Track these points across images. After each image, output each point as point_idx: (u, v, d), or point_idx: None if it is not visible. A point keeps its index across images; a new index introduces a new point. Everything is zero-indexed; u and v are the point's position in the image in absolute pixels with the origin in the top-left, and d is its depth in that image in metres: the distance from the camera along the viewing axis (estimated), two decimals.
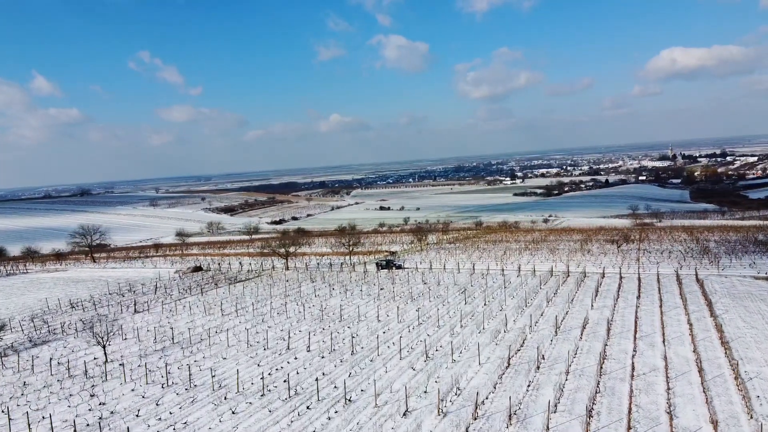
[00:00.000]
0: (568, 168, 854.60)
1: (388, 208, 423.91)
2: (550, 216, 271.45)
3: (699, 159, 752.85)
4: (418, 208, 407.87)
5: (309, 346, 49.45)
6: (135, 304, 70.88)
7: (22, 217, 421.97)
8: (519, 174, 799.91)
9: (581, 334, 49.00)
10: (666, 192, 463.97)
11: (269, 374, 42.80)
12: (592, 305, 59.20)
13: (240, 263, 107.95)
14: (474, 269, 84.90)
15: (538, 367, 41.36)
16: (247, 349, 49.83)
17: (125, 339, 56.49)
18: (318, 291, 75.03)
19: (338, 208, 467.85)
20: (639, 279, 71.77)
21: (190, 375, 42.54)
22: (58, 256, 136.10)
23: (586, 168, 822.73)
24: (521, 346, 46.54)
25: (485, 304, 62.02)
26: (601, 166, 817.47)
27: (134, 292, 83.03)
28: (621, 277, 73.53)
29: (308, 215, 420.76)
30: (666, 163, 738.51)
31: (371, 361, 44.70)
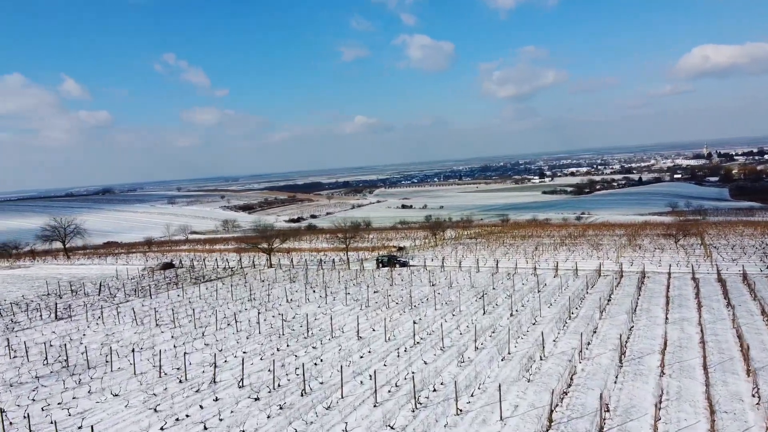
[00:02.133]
0: (599, 167, 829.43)
1: (410, 207, 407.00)
2: (582, 214, 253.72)
3: (735, 157, 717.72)
4: (441, 207, 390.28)
5: (243, 379, 32.71)
6: (56, 310, 55.01)
7: (38, 215, 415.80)
8: (548, 173, 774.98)
9: (661, 365, 31.31)
10: (704, 190, 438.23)
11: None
12: (666, 318, 41.29)
13: (226, 260, 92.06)
14: (497, 267, 67.31)
15: (602, 429, 24.02)
16: (154, 382, 33.35)
17: (13, 358, 40.70)
18: (293, 294, 58.38)
19: (359, 206, 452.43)
20: (721, 280, 53.27)
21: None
22: (33, 253, 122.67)
23: (617, 167, 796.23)
24: (568, 385, 29.12)
25: (512, 315, 44.53)
26: (633, 165, 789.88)
27: (76, 293, 67.50)
28: (694, 278, 55.18)
29: (327, 213, 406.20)
30: (701, 162, 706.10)
31: (327, 408, 27.76)
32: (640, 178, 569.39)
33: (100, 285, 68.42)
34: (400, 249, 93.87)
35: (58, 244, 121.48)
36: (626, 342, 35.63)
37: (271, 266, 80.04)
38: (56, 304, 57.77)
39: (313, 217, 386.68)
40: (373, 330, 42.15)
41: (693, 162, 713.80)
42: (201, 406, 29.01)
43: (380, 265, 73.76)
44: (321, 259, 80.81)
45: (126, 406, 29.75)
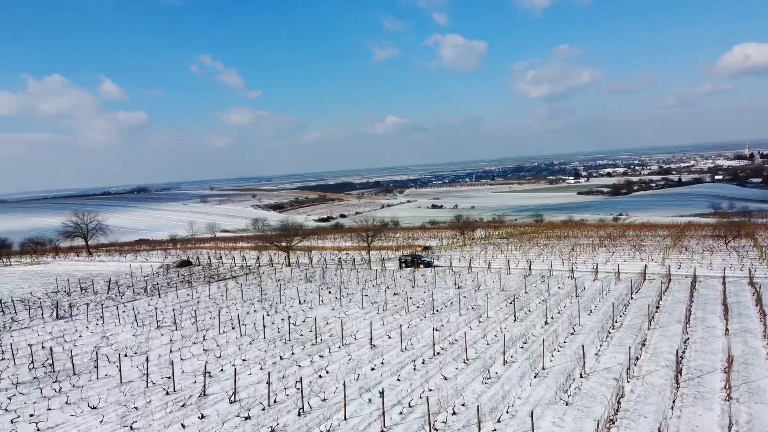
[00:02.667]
0: (636, 167, 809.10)
1: (441, 207, 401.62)
2: (620, 215, 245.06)
3: None
4: (472, 207, 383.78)
5: (236, 393, 28.63)
6: (57, 309, 52.04)
7: (71, 212, 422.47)
8: (583, 173, 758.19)
9: (725, 386, 26.09)
10: (747, 191, 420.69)
11: None
12: (725, 329, 35.78)
13: (245, 258, 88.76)
14: (530, 269, 62.05)
15: None
16: (139, 392, 29.59)
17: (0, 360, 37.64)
18: (306, 295, 54.28)
19: (389, 206, 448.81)
20: None
21: None
22: (57, 250, 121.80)
23: (655, 167, 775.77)
24: (615, 410, 24.20)
25: (546, 323, 39.52)
26: (672, 166, 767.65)
27: (85, 290, 64.81)
28: (752, 283, 49.11)
29: (356, 213, 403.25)
30: (743, 162, 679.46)
31: None
32: (680, 179, 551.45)
33: (110, 282, 65.56)
34: (426, 248, 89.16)
35: (82, 241, 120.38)
36: (682, 357, 30.39)
37: (289, 265, 76.29)
38: (57, 302, 54.83)
39: (342, 216, 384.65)
40: (389, 337, 37.67)
41: (734, 163, 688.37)
42: (183, 425, 25.01)
43: (403, 265, 69.28)
44: (341, 258, 76.70)
45: (101, 422, 25.97)
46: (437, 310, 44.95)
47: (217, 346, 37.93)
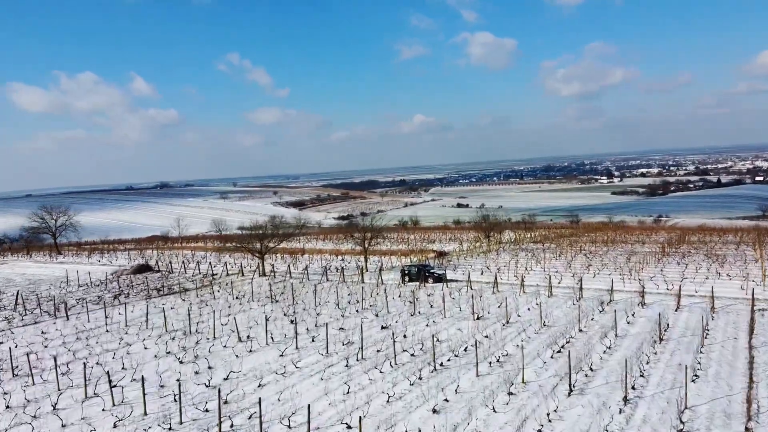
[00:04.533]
0: (671, 168, 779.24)
1: (466, 206, 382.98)
2: (659, 216, 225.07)
3: None
4: (500, 207, 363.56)
5: None
6: None
7: (87, 209, 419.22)
8: (616, 173, 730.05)
9: None
10: None
11: None
12: None
13: (225, 263, 72.61)
14: (581, 289, 44.27)
15: None
16: None
17: None
18: (256, 326, 37.52)
19: (412, 204, 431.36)
20: None
21: None
22: (28, 248, 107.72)
23: (691, 168, 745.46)
24: None
25: (626, 402, 22.22)
26: (709, 167, 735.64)
27: None
28: None
29: (379, 211, 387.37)
30: None
31: None
32: (719, 180, 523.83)
33: (16, 297, 49.97)
34: (441, 255, 71.84)
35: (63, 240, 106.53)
36: None
37: (263, 274, 59.87)
38: None
39: (364, 214, 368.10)
40: (348, 428, 20.84)
41: None
42: None
43: (406, 278, 52.20)
44: (329, 267, 59.78)
45: None
46: (441, 365, 27.88)
47: None
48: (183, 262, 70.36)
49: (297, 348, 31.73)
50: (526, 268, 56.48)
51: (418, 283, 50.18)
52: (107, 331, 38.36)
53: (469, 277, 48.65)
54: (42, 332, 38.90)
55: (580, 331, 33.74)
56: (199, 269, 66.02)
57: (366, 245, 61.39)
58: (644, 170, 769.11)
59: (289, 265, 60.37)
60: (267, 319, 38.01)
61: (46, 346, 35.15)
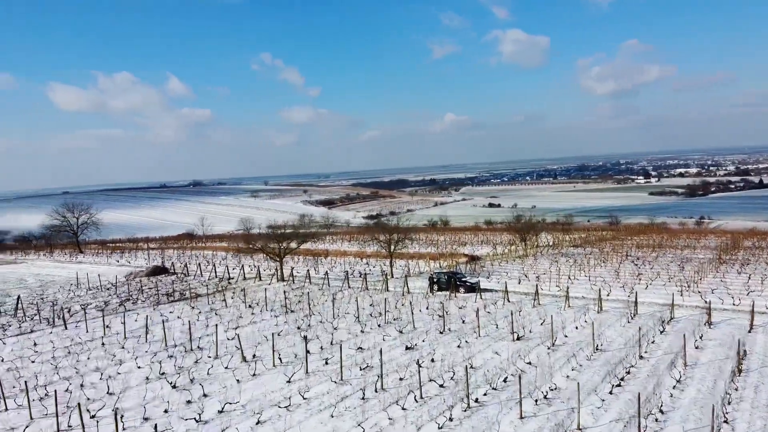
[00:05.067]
0: (710, 168, 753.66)
1: (498, 206, 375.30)
2: (701, 218, 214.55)
3: None
4: (533, 207, 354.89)
5: None
6: None
7: (120, 207, 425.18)
8: (653, 173, 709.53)
9: None
10: None
11: None
12: None
13: (242, 265, 68.91)
14: (635, 304, 38.75)
15: None
16: None
17: None
18: (264, 343, 33.20)
19: (442, 204, 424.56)
20: None
21: None
22: (51, 247, 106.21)
23: (731, 168, 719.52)
24: None
25: None
26: (750, 167, 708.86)
27: None
28: None
29: (408, 210, 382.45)
30: None
31: None
32: (761, 181, 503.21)
33: (17, 302, 46.84)
34: (473, 259, 66.72)
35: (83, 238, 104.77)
36: None
37: (282, 279, 55.78)
38: None
39: (393, 214, 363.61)
40: None
41: None
42: None
43: (434, 286, 47.38)
44: (347, 272, 55.09)
45: None
46: (476, 400, 23.09)
47: None
48: (199, 264, 66.83)
49: (307, 372, 27.34)
50: (569, 277, 51.04)
51: (448, 293, 45.33)
52: (102, 344, 34.63)
53: (506, 287, 43.54)
54: (34, 344, 35.42)
55: (641, 357, 28.54)
56: (215, 272, 62.33)
57: (392, 248, 56.63)
58: (682, 170, 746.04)
59: (308, 271, 56.01)
60: (277, 335, 33.81)
61: (33, 361, 31.58)
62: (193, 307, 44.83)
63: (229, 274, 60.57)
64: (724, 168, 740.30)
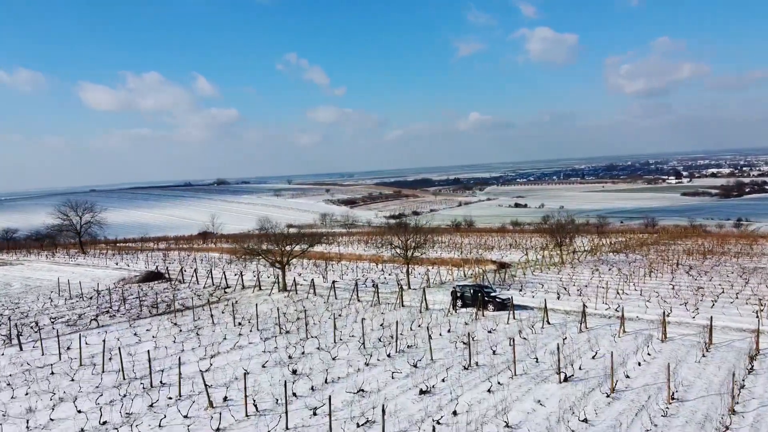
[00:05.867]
0: (743, 168, 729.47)
1: (525, 206, 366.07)
2: (739, 220, 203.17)
3: None
4: (561, 207, 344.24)
5: None
6: None
7: (142, 205, 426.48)
8: (684, 173, 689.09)
9: None
10: None
11: None
12: None
13: (240, 272, 62.64)
14: (710, 328, 31.09)
15: None
16: None
17: None
18: (235, 380, 26.04)
19: (466, 204, 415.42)
20: None
21: None
22: (56, 246, 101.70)
23: (765, 168, 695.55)
24: None
25: None
26: None
27: None
28: None
29: (431, 210, 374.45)
30: None
31: None
32: None
33: None
34: (502, 267, 59.35)
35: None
36: None
37: (284, 289, 49.14)
38: None
39: (416, 213, 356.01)
40: None
41: None
42: None
43: (458, 302, 40.22)
44: (356, 282, 47.84)
45: None
46: None
47: None
48: (195, 270, 60.35)
49: (287, 429, 20.55)
50: (617, 292, 43.39)
51: (474, 311, 38.15)
52: (53, 373, 28.37)
53: (545, 305, 36.18)
54: None
55: (733, 412, 21.17)
56: (212, 279, 55.90)
57: (409, 254, 49.48)
58: (714, 170, 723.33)
59: (312, 280, 49.14)
60: (262, 366, 27.20)
61: None
62: (174, 324, 38.48)
63: (226, 281, 54.14)
64: (757, 168, 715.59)
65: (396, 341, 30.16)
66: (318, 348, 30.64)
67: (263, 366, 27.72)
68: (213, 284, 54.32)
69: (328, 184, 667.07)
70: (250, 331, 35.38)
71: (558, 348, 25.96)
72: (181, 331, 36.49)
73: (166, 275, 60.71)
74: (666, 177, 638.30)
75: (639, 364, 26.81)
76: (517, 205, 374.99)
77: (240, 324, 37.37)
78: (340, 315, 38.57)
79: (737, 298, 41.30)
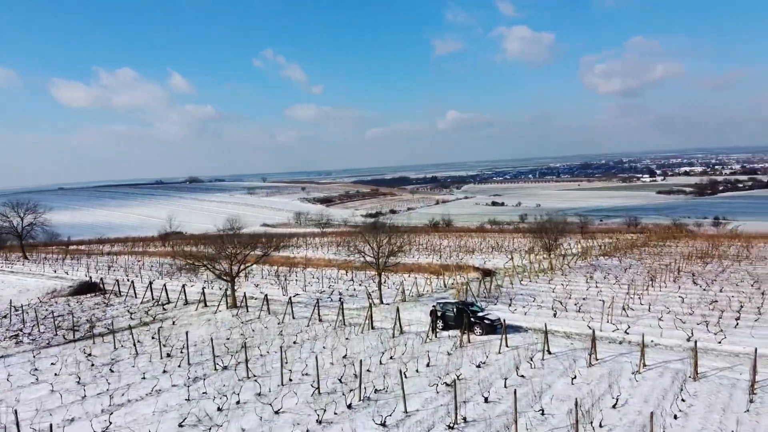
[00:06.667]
0: (715, 167, 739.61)
1: (502, 204, 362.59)
2: (716, 219, 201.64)
3: None
4: (538, 205, 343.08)
5: None
6: None
7: (109, 204, 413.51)
8: (657, 172, 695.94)
9: None
10: None
11: None
12: None
13: (182, 285, 54.91)
14: (753, 367, 24.95)
15: None
16: None
17: None
18: None
19: (444, 202, 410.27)
20: None
21: None
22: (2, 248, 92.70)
23: (737, 167, 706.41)
24: None
25: None
26: (756, 165, 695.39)
27: None
28: None
29: (409, 209, 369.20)
30: None
31: None
32: None
33: None
34: (486, 274, 52.97)
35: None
36: None
37: (234, 305, 41.90)
38: None
39: (393, 212, 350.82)
40: None
41: None
42: None
43: (438, 322, 33.58)
44: (317, 301, 40.34)
45: None
46: None
47: None
48: (132, 282, 52.09)
49: None
50: (623, 308, 37.16)
51: (458, 334, 31.53)
52: None
53: (545, 330, 29.67)
54: None
55: None
56: (151, 292, 48.20)
57: (381, 266, 42.54)
58: (687, 169, 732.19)
59: (266, 296, 41.74)
60: (179, 426, 20.19)
61: None
62: (89, 355, 31.13)
63: (167, 295, 46.58)
64: (729, 167, 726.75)
65: (360, 384, 23.32)
66: (258, 394, 23.65)
67: (180, 426, 20.70)
68: (153, 298, 46.78)
69: (305, 182, 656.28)
70: (179, 365, 28.23)
71: (577, 404, 19.39)
72: (93, 365, 29.21)
73: (101, 286, 52.83)
74: (640, 175, 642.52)
75: (675, 417, 20.47)
76: (494, 204, 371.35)
77: (169, 355, 30.16)
78: (294, 342, 31.60)
79: (760, 314, 35.48)
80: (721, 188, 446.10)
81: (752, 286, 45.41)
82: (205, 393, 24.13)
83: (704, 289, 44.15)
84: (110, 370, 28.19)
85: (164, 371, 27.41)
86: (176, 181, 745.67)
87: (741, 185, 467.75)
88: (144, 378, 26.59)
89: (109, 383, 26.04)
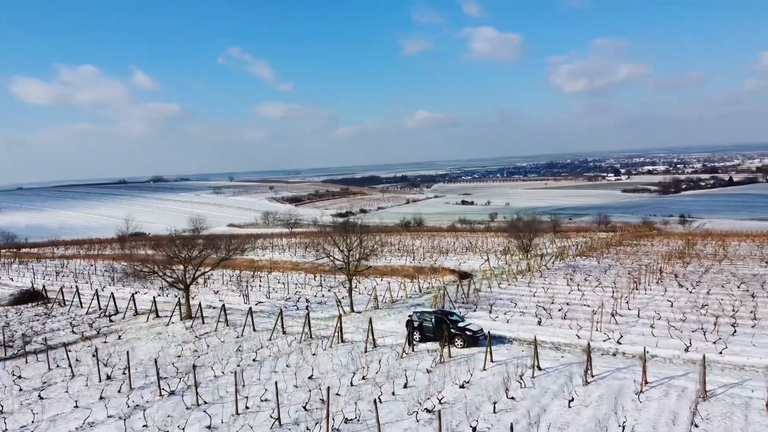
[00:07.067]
0: (677, 166, 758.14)
1: (471, 203, 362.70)
2: (682, 216, 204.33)
3: None
4: (507, 204, 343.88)
5: None
6: None
7: (68, 204, 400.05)
8: (622, 171, 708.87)
9: None
10: None
11: None
12: None
13: (112, 296, 50.54)
14: None
15: None
16: None
17: None
18: None
19: (414, 201, 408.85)
20: None
21: None
22: None
23: (698, 166, 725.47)
24: None
25: None
26: (716, 164, 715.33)
27: None
28: None
29: (379, 208, 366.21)
30: None
31: None
32: (731, 178, 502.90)
33: None
34: (463, 277, 50.16)
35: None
36: None
37: (189, 316, 38.07)
38: None
39: (363, 211, 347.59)
40: None
41: None
42: None
43: (415, 334, 30.54)
44: (281, 309, 36.59)
45: None
46: None
47: None
48: (77, 289, 47.50)
49: None
50: (612, 315, 34.62)
51: (438, 347, 28.48)
52: None
53: (535, 343, 26.78)
54: None
55: None
56: (98, 301, 43.91)
57: (351, 272, 39.25)
58: (650, 168, 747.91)
59: (223, 305, 37.92)
60: None
61: None
62: (18, 377, 27.09)
63: (115, 304, 42.37)
64: (691, 166, 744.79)
65: (328, 413, 20.01)
66: (208, 427, 20.16)
67: None
68: (100, 308, 42.53)
69: (273, 181, 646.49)
70: (119, 390, 24.44)
71: (565, 404, 16.48)
72: (21, 390, 25.25)
73: (44, 294, 48.24)
74: (605, 174, 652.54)
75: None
76: (464, 203, 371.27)
77: (109, 377, 26.32)
78: (254, 359, 28.09)
79: (756, 319, 33.41)
80: (684, 187, 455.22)
81: (739, 288, 43.61)
82: (145, 426, 20.50)
83: (691, 292, 42.09)
84: (39, 396, 24.29)
85: (101, 397, 23.62)
86: (140, 180, 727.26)
87: (703, 183, 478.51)
88: (76, 407, 22.77)
89: (34, 414, 22.18)
